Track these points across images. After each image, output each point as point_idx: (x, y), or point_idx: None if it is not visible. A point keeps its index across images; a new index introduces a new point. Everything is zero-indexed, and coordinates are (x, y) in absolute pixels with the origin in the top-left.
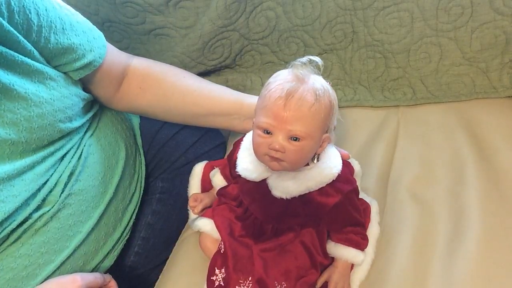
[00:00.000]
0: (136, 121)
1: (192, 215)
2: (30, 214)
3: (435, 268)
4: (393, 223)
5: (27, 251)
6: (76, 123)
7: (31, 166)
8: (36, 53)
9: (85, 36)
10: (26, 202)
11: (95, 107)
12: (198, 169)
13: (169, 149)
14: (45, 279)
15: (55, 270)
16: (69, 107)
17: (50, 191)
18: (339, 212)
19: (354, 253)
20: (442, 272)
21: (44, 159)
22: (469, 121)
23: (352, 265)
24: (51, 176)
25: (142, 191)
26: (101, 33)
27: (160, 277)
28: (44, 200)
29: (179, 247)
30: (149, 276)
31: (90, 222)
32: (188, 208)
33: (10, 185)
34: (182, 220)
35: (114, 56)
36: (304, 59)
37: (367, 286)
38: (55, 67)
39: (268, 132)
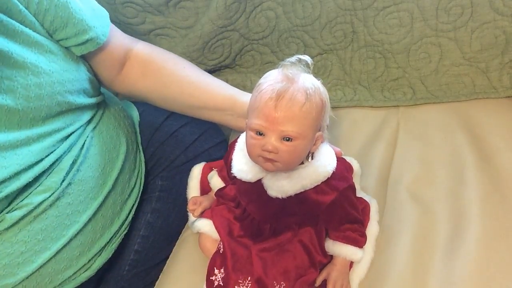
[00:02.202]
0: (136, 119)
1: (191, 218)
2: (30, 199)
3: (435, 268)
4: (393, 223)
5: (24, 237)
6: (78, 100)
7: (27, 142)
8: (37, 24)
9: (89, 12)
10: (16, 176)
11: (100, 97)
12: (197, 171)
13: (168, 147)
14: (41, 266)
15: (51, 258)
16: (68, 81)
17: (49, 175)
18: (336, 209)
19: (352, 250)
20: (442, 272)
21: (41, 137)
22: (469, 121)
23: (351, 264)
24: (46, 156)
25: (141, 187)
26: (107, 13)
27: (160, 276)
28: (43, 184)
29: (179, 247)
30: (149, 274)
31: (87, 213)
32: (188, 210)
33: (1, 156)
34: (182, 218)
35: (118, 38)
36: (293, 58)
37: (366, 285)
38: (58, 41)
39: (260, 134)
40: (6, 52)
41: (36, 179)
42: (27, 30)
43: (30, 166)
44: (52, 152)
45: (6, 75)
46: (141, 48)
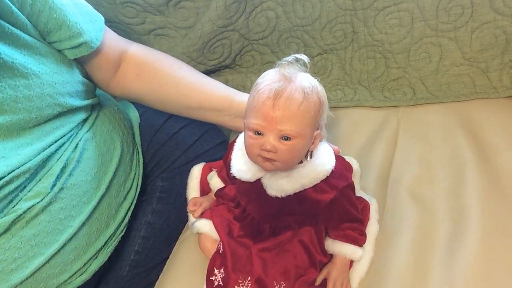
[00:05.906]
0: (135, 121)
1: (191, 219)
2: (18, 203)
3: (435, 268)
4: (393, 223)
5: (17, 243)
6: (70, 102)
7: (15, 147)
8: (30, 26)
9: (83, 16)
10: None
11: (94, 100)
12: (196, 171)
13: (169, 149)
14: (35, 272)
15: (45, 263)
16: (59, 83)
17: (39, 181)
18: (335, 208)
19: (352, 249)
20: (442, 272)
21: (31, 141)
22: (469, 121)
23: (351, 262)
24: (34, 161)
25: (138, 189)
26: (101, 17)
27: (160, 277)
28: (32, 190)
29: (179, 247)
30: (149, 275)
31: (81, 217)
32: (188, 211)
33: None
34: (182, 219)
35: (112, 40)
36: (290, 58)
37: (366, 285)
38: (50, 43)
39: (259, 133)
40: None
41: (24, 185)
42: (17, 31)
43: (17, 171)
44: (40, 156)
45: None
46: (136, 49)
